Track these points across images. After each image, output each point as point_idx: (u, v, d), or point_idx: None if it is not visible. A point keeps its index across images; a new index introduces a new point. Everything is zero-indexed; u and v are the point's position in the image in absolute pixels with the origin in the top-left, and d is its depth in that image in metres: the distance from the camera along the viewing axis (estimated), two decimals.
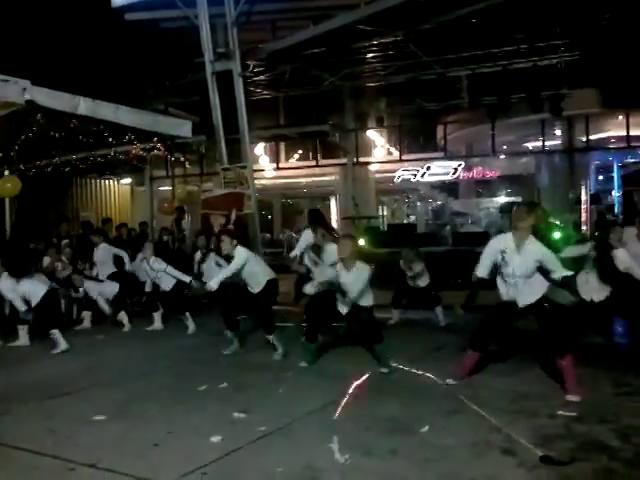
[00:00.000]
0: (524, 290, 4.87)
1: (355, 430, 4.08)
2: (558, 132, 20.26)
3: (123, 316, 8.66)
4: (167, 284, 8.41)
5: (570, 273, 4.75)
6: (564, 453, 3.58)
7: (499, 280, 5.02)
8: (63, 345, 7.14)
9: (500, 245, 4.95)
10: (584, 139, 18.62)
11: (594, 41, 14.16)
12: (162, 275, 8.37)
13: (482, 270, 5.06)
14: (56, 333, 7.18)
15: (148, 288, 8.77)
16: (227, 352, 6.78)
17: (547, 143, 19.32)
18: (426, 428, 4.05)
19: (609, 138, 20.01)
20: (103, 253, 9.15)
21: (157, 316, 8.55)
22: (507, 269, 4.88)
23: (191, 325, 8.34)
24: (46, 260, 9.23)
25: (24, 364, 6.58)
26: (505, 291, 4.98)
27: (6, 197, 9.93)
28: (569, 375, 4.75)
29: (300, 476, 3.37)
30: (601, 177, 24.48)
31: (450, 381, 5.18)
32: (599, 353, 6.16)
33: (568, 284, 4.74)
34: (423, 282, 8.19)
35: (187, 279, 8.50)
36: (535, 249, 4.82)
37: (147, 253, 8.50)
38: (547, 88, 15.67)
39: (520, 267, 4.82)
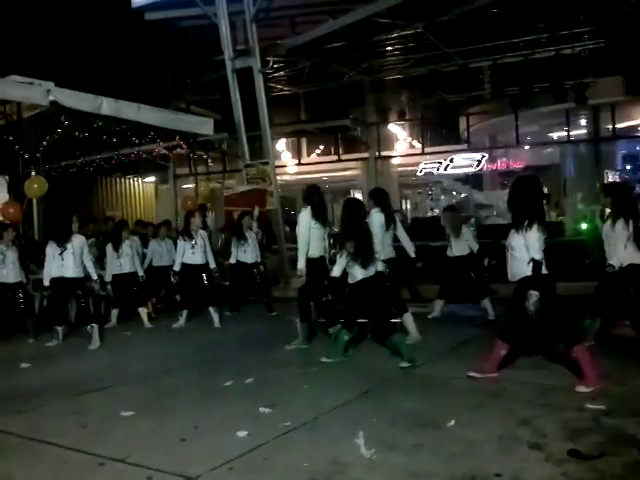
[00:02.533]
0: (510, 263, 4.94)
1: (380, 425, 4.08)
2: (583, 121, 19.92)
3: (142, 313, 8.79)
4: (198, 259, 8.56)
5: (539, 258, 4.67)
6: (593, 447, 3.53)
7: None
8: (97, 342, 7.32)
9: None
10: (610, 128, 18.28)
11: (619, 27, 13.89)
12: (199, 249, 8.54)
13: None
14: (95, 327, 7.41)
15: (177, 267, 8.66)
16: (290, 347, 6.74)
17: (572, 133, 18.99)
18: (452, 422, 4.02)
19: (636, 126, 19.63)
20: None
21: (184, 314, 8.63)
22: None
23: (216, 320, 8.43)
24: None
25: (55, 361, 6.69)
26: None
27: (33, 198, 10.10)
28: (582, 365, 4.70)
29: (326, 471, 3.37)
30: (628, 166, 24.04)
31: (473, 374, 5.14)
32: (629, 345, 6.07)
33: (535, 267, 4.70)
34: (458, 250, 8.09)
35: (212, 265, 8.79)
36: None
37: (196, 223, 8.67)
38: (571, 77, 15.46)
39: (509, 237, 4.92)
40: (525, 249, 4.70)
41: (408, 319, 6.64)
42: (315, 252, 6.67)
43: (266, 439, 3.88)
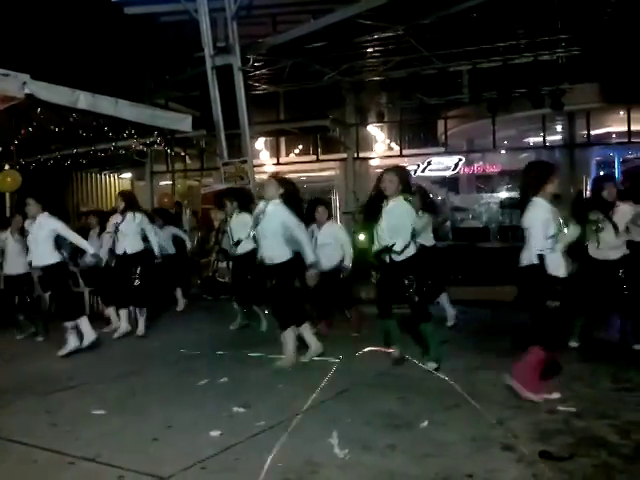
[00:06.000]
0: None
1: (354, 425, 4.08)
2: (559, 127, 20.20)
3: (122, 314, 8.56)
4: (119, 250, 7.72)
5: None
6: (563, 448, 3.58)
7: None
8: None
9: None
10: (585, 134, 18.57)
11: (595, 36, 14.12)
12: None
13: None
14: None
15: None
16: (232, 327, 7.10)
17: (548, 138, 19.25)
18: (425, 423, 4.05)
19: (610, 133, 19.96)
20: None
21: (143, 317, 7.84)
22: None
23: (181, 302, 8.47)
24: None
25: (25, 358, 6.58)
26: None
27: (6, 192, 9.92)
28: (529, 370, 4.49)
29: (299, 471, 3.37)
30: (602, 172, 24.43)
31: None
32: (599, 348, 6.16)
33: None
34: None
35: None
36: None
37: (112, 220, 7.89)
38: (548, 83, 15.67)
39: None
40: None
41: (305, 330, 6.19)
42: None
43: (239, 439, 3.86)
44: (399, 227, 5.40)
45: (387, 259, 5.49)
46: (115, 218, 7.69)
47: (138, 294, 7.60)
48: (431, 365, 5.43)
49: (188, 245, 9.16)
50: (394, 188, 5.42)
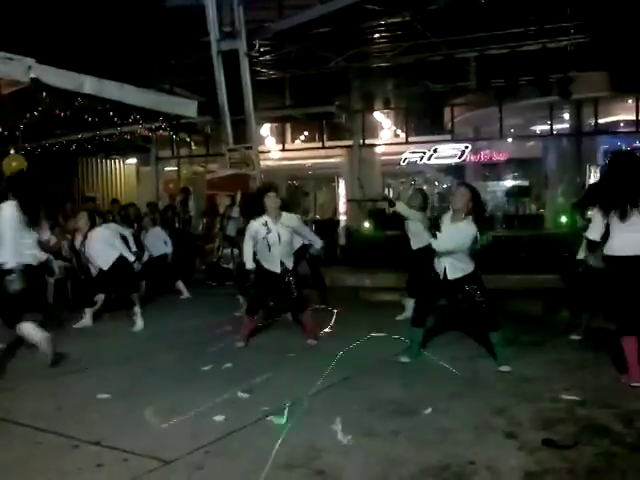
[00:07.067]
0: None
1: (358, 411, 4.10)
2: (566, 116, 20.02)
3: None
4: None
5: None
6: (566, 437, 3.58)
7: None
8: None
9: None
10: (593, 123, 18.43)
11: (604, 23, 13.97)
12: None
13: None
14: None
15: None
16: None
17: (555, 127, 19.09)
18: (429, 410, 4.06)
19: (618, 122, 19.80)
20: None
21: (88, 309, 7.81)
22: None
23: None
24: (52, 239, 9.18)
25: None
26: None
27: None
28: None
29: (302, 456, 3.38)
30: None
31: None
32: (603, 337, 6.15)
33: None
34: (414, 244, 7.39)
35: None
36: None
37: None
38: (556, 71, 15.54)
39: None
40: None
41: None
42: None
43: (243, 424, 3.87)
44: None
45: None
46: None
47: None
48: (504, 368, 5.10)
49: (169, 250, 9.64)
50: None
